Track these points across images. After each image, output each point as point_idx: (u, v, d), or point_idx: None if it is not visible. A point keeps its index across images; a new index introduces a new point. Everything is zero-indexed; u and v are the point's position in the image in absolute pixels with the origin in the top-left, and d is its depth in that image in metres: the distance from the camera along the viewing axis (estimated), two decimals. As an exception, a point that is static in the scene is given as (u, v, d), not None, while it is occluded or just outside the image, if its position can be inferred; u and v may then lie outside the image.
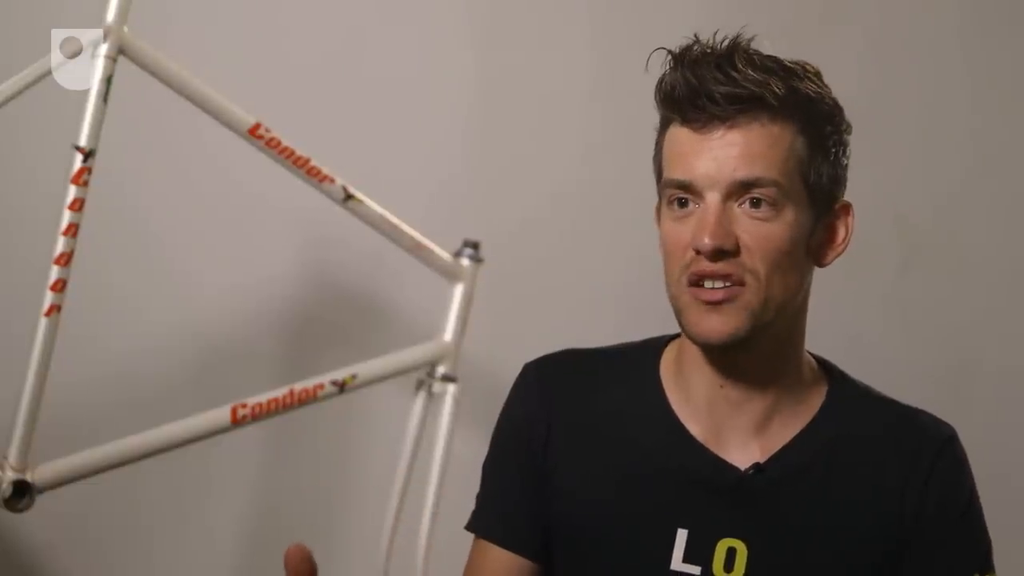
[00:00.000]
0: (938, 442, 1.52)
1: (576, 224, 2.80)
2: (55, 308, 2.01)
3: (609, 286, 2.80)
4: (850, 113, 1.55)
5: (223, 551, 2.63)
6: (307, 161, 2.22)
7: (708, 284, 1.44)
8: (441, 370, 2.38)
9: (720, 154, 1.43)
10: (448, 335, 2.38)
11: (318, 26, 2.61)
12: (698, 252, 1.43)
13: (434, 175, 2.70)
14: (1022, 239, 3.08)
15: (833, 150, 1.48)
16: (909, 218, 3.00)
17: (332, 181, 2.25)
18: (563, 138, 2.79)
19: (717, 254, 1.42)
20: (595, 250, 2.80)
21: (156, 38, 2.10)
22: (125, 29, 2.04)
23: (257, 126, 2.18)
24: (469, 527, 1.62)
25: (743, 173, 1.42)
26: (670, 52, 1.46)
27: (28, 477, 2.03)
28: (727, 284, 1.43)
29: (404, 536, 2.38)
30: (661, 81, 1.47)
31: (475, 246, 2.40)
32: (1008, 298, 3.07)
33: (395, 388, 2.46)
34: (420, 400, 2.40)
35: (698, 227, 1.43)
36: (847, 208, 1.51)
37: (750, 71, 1.42)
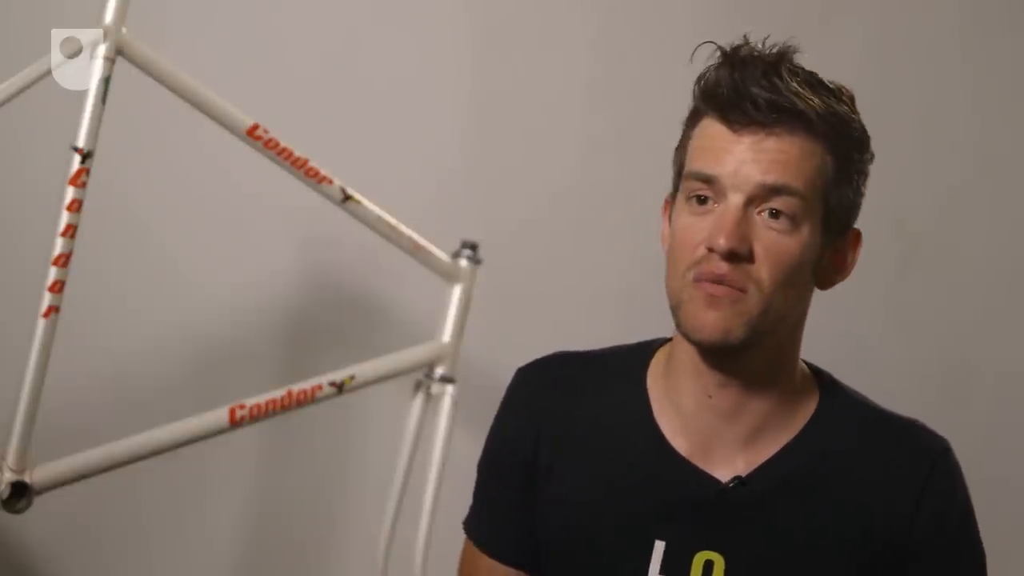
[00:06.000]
0: (931, 456, 1.49)
1: (575, 224, 2.80)
2: (53, 309, 2.01)
3: (608, 287, 2.80)
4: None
5: (221, 551, 2.63)
6: (305, 162, 2.21)
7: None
8: (439, 371, 2.38)
9: (751, 155, 1.41)
10: (446, 336, 2.38)
11: (317, 27, 2.61)
12: (711, 251, 1.41)
13: (433, 175, 2.70)
14: (1022, 239, 3.07)
15: (855, 177, 1.47)
16: (909, 219, 3.00)
17: (330, 182, 2.24)
18: (563, 138, 2.79)
19: (730, 256, 1.41)
20: (594, 251, 2.80)
21: (154, 39, 2.10)
22: (123, 30, 2.04)
23: (255, 127, 2.17)
24: (464, 525, 1.64)
25: (773, 177, 1.41)
26: (720, 47, 1.45)
27: (26, 478, 2.03)
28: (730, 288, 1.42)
29: (402, 537, 2.37)
30: (704, 75, 1.45)
31: (473, 247, 2.40)
32: (1008, 299, 3.06)
33: (393, 389, 2.46)
34: (418, 401, 2.40)
35: (716, 227, 1.41)
36: (858, 236, 1.51)
37: (794, 84, 1.42)
